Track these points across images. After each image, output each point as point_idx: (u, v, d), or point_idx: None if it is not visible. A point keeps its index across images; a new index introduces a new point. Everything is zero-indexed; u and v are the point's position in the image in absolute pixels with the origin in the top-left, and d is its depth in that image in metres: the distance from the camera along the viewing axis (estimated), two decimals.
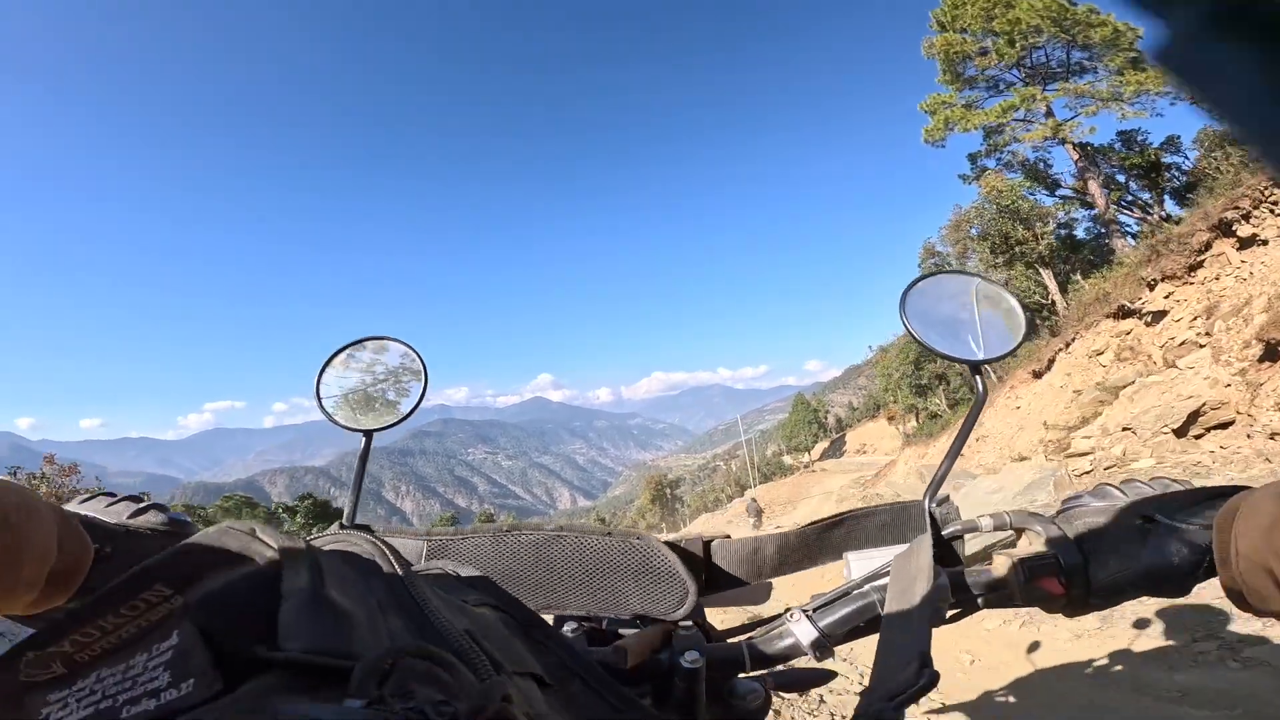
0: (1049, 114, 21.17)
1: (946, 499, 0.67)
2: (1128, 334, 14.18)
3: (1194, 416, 7.37)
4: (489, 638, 0.39)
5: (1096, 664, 3.23)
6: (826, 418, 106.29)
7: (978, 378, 0.71)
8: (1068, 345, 16.55)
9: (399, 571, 0.39)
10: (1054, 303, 20.29)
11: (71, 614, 0.29)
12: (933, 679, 0.42)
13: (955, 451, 0.70)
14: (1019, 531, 0.61)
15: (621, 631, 0.68)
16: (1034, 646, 3.82)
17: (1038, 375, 17.56)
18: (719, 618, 0.79)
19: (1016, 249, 20.99)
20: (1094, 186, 20.84)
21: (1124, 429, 8.29)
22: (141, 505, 0.59)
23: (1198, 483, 1.01)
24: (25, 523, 0.36)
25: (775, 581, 0.78)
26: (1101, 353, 14.54)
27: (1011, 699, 3.07)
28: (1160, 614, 3.37)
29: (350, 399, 0.84)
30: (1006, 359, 0.76)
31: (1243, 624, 3.21)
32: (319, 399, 0.82)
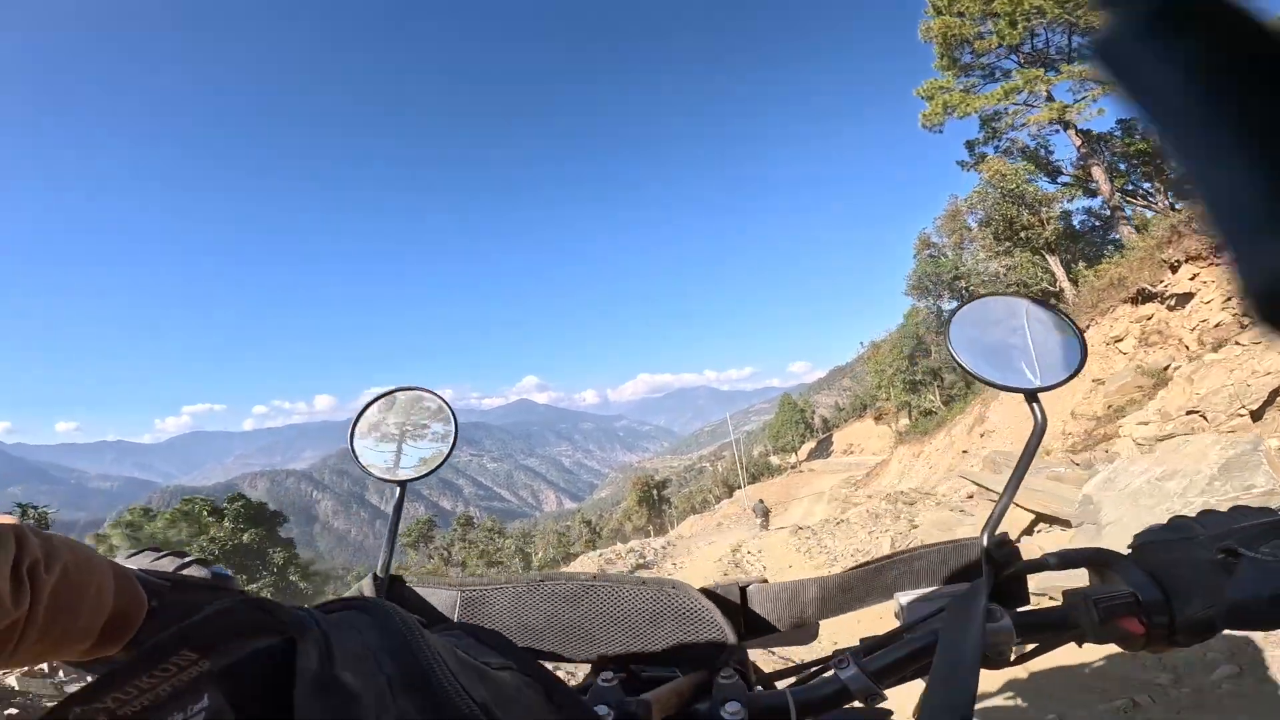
0: (1050, 98, 20.48)
1: (1005, 537, 0.64)
2: (1149, 319, 13.40)
3: (1275, 395, 6.49)
4: (508, 706, 0.39)
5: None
6: (813, 418, 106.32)
7: (1035, 406, 0.68)
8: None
9: (413, 644, 0.39)
10: (1062, 290, 19.59)
11: (111, 672, 0.31)
12: None
13: (1014, 487, 0.66)
14: (1092, 567, 0.59)
15: (656, 676, 0.66)
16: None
17: None
18: (764, 659, 0.59)
19: (1022, 234, 20.23)
20: (1098, 173, 20.19)
21: (1189, 412, 7.42)
22: (185, 560, 0.62)
23: None
24: (82, 575, 0.40)
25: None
26: (1120, 339, 13.73)
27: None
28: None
29: (383, 449, 0.85)
30: (1064, 385, 0.65)
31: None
32: (353, 450, 0.84)
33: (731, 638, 0.66)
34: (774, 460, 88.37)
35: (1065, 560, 0.59)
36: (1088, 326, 15.27)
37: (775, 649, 1.00)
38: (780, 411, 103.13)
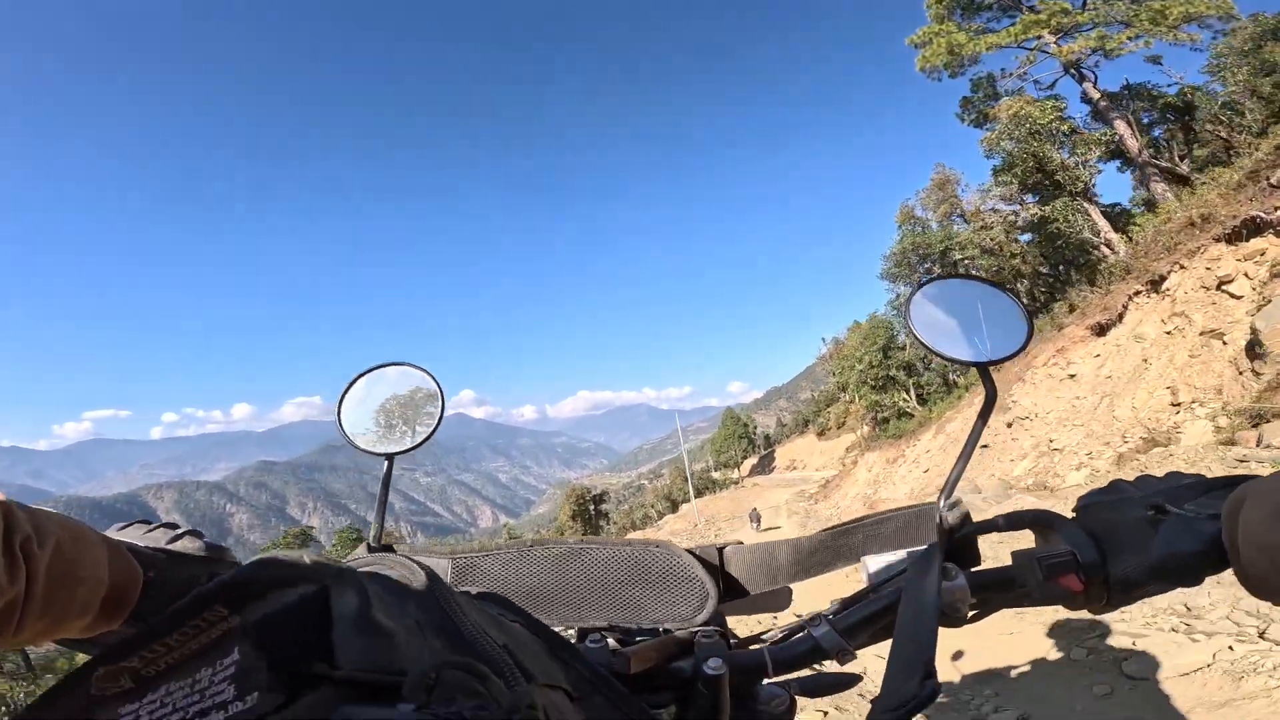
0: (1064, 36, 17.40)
1: (958, 500, 0.68)
2: (1262, 253, 9.91)
3: None
4: (523, 652, 0.42)
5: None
6: (755, 433, 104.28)
7: (986, 378, 0.72)
8: (1153, 286, 12.24)
9: (435, 591, 0.41)
10: (1108, 240, 16.24)
11: (138, 633, 0.33)
12: (934, 690, 0.44)
13: (967, 454, 0.69)
14: (1036, 529, 0.62)
15: (641, 636, 0.69)
16: (957, 655, 3.76)
17: (1100, 330, 13.22)
18: (740, 626, 0.80)
19: (1057, 177, 16.82)
20: (1122, 126, 17.13)
21: None
22: (178, 532, 0.63)
23: None
24: (76, 550, 0.40)
25: (797, 588, 0.80)
26: (1228, 280, 10.15)
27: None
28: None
29: (370, 424, 0.87)
30: (1013, 359, 0.74)
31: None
32: (340, 424, 0.86)
33: (714, 594, 0.70)
34: (716, 476, 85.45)
35: (1012, 521, 0.62)
36: (1168, 273, 11.82)
37: (749, 615, 0.87)
38: (723, 426, 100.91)
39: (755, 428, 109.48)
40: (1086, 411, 11.68)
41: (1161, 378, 10.37)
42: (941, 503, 0.67)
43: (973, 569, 0.62)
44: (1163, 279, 11.96)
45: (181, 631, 0.33)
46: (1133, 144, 17.24)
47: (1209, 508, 0.52)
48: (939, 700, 2.53)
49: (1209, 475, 0.58)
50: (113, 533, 0.60)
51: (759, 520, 27.78)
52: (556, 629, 0.64)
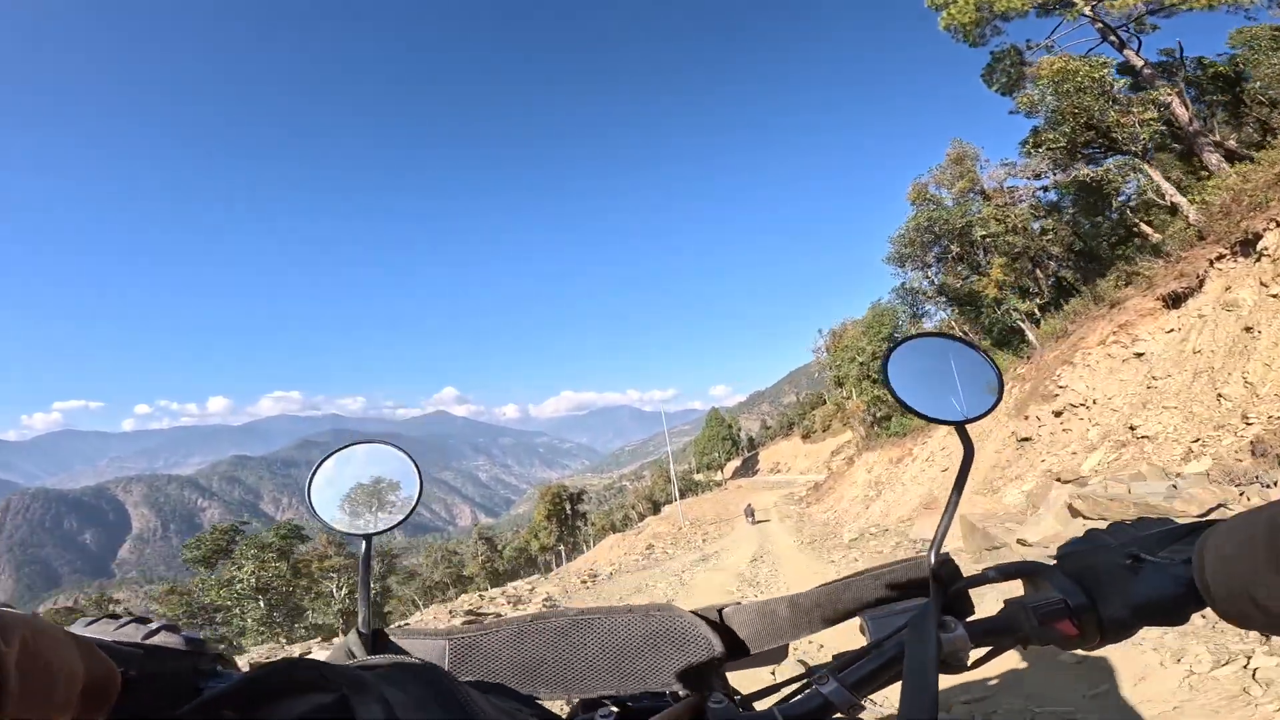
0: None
1: (947, 555, 0.70)
2: None
3: None
4: None
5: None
6: (739, 435, 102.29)
7: (964, 436, 0.74)
8: (1241, 248, 10.06)
9: (452, 694, 0.41)
10: (1174, 205, 14.12)
11: None
12: None
13: (953, 508, 0.72)
14: (1025, 578, 0.65)
15: (649, 707, 0.70)
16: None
17: (1174, 301, 11.01)
18: (735, 680, 0.81)
19: (1114, 135, 14.68)
20: (1171, 95, 15.03)
21: None
22: (153, 626, 0.59)
23: None
24: (43, 646, 0.37)
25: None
26: None
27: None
28: None
29: (344, 503, 0.85)
30: (985, 418, 0.76)
31: None
32: (311, 504, 0.83)
33: (720, 651, 0.70)
34: (699, 478, 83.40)
35: (1003, 573, 0.64)
36: (1263, 230, 9.64)
37: (745, 669, 0.82)
38: (707, 426, 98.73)
39: (739, 429, 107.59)
40: (1175, 392, 9.46)
41: (1278, 346, 8.17)
42: (932, 557, 0.68)
43: (969, 619, 0.64)
44: (1257, 238, 9.82)
45: None
46: (1183, 113, 15.15)
47: (1181, 553, 0.56)
48: None
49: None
50: (79, 628, 0.57)
51: (753, 514, 29.25)
52: (559, 702, 0.69)
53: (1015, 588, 0.67)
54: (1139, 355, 11.27)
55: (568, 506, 50.92)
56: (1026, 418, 13.31)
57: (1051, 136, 15.80)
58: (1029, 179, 18.78)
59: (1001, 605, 0.64)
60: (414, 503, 0.84)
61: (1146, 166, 14.70)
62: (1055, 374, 13.18)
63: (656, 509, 55.24)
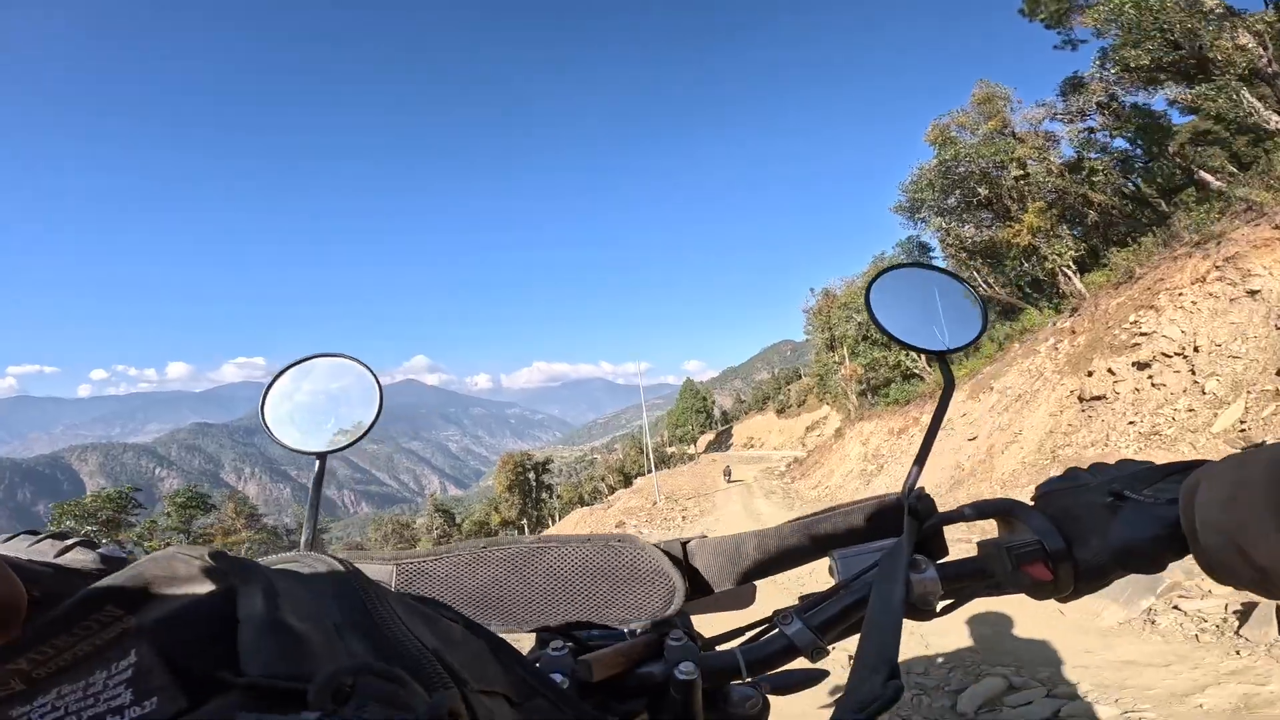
0: None
1: (923, 491, 0.68)
2: None
3: None
4: (458, 652, 0.40)
5: None
6: (713, 408, 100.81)
7: (944, 366, 0.74)
8: None
9: (358, 589, 0.39)
10: (1277, 131, 11.88)
11: (25, 634, 0.31)
12: (898, 691, 0.44)
13: (929, 442, 0.70)
14: (1001, 518, 0.61)
15: (605, 640, 0.66)
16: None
17: None
18: (705, 627, 0.76)
19: (1210, 55, 12.58)
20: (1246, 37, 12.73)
21: None
22: (68, 543, 0.55)
23: None
24: None
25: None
26: None
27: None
28: None
29: (299, 420, 0.81)
30: (969, 349, 0.69)
31: None
32: (264, 421, 0.81)
33: (681, 588, 0.68)
34: (671, 451, 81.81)
35: (979, 511, 0.61)
36: None
37: (712, 614, 0.79)
38: (681, 398, 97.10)
39: (713, 402, 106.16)
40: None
41: None
42: (905, 493, 0.66)
43: (941, 560, 0.61)
44: None
45: (71, 633, 0.31)
46: (1261, 53, 12.84)
47: (1166, 493, 0.52)
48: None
49: None
50: None
51: (729, 474, 31.45)
52: (514, 633, 0.65)
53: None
54: (1253, 294, 9.02)
55: (531, 477, 48.29)
56: (1091, 374, 11.08)
57: (1134, 54, 13.42)
58: (1070, 120, 16.54)
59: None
60: (371, 422, 0.80)
61: (1245, 93, 12.39)
62: (1128, 321, 10.97)
63: (628, 481, 53.02)
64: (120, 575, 0.33)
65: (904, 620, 0.55)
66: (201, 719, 0.28)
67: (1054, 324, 14.23)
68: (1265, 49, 12.94)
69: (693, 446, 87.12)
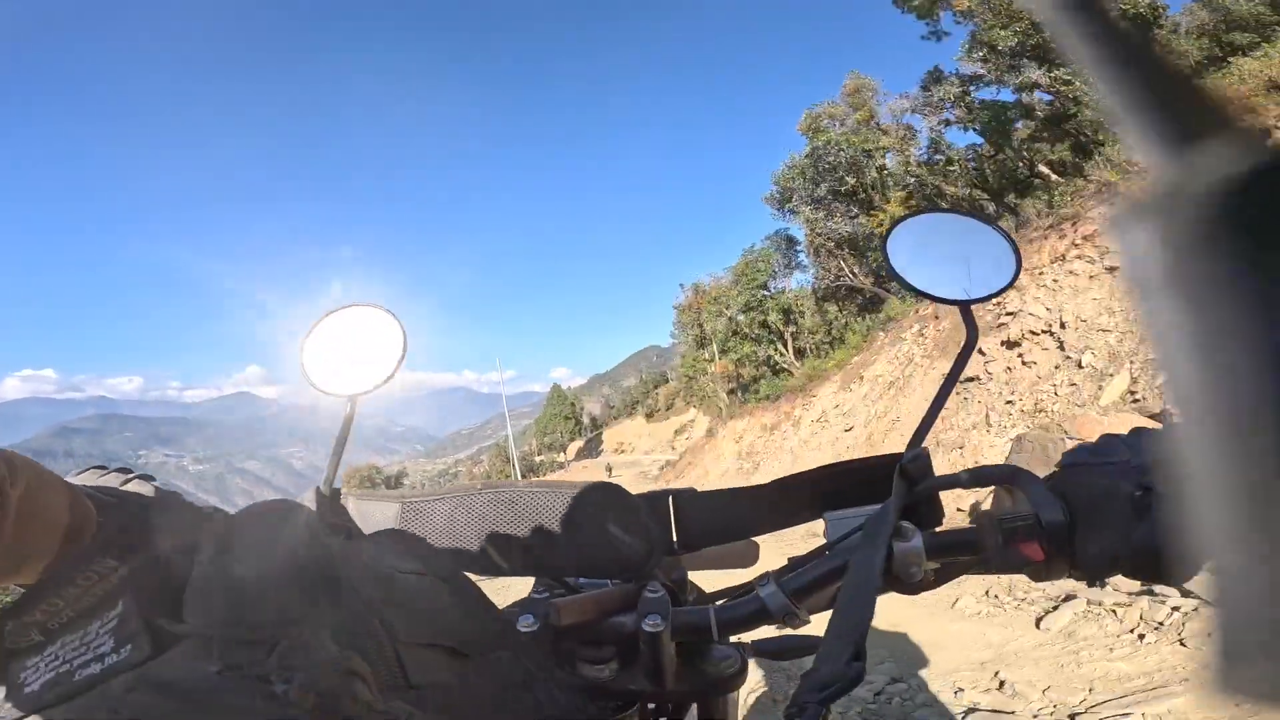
0: None
1: (921, 450, 0.63)
2: None
3: None
4: (407, 606, 0.41)
5: None
6: (582, 414, 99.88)
7: (968, 318, 0.69)
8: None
9: (310, 537, 0.41)
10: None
11: (39, 585, 0.33)
12: (859, 673, 0.42)
13: (943, 397, 0.66)
14: (1005, 487, 0.56)
15: (589, 587, 0.68)
16: None
17: None
18: (705, 581, 0.77)
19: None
20: None
21: None
22: (129, 476, 0.63)
23: None
24: (43, 490, 0.40)
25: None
26: None
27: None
28: None
29: (331, 365, 0.87)
30: (999, 298, 0.63)
31: None
32: (302, 366, 0.85)
33: (658, 545, 0.65)
34: (540, 459, 79.74)
35: (977, 478, 0.56)
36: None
37: (714, 570, 0.79)
38: (549, 404, 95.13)
39: (582, 409, 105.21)
40: None
41: None
42: (907, 451, 0.63)
43: (936, 529, 0.58)
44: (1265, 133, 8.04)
45: (75, 584, 0.33)
46: None
47: None
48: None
49: None
50: (70, 478, 0.57)
51: (610, 470, 32.11)
52: (505, 577, 0.68)
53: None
54: (1112, 269, 9.24)
55: (382, 490, 44.28)
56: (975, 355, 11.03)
57: (1003, 35, 13.85)
58: (929, 113, 17.19)
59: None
60: (396, 365, 0.83)
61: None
62: (993, 302, 10.96)
63: None
64: (114, 527, 0.36)
65: (889, 593, 0.53)
66: (152, 668, 0.30)
67: (916, 310, 14.44)
68: None
69: (562, 454, 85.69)
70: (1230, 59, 10.85)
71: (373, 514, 0.73)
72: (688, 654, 0.60)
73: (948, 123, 17.55)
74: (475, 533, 0.68)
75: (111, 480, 0.60)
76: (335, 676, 0.30)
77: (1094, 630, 3.25)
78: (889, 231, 0.73)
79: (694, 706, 0.66)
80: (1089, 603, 3.48)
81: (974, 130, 17.52)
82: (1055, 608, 3.65)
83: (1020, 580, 3.94)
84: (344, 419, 0.80)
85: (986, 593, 4.12)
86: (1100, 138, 13.39)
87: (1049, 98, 14.96)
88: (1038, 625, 3.56)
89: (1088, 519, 0.49)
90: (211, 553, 0.35)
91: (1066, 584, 3.77)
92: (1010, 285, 0.69)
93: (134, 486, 0.60)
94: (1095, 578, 0.50)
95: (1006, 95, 16.03)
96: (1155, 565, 0.45)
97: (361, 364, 0.84)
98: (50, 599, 0.33)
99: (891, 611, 3.91)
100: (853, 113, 19.25)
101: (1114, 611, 3.33)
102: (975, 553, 0.54)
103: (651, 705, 0.62)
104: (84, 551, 0.34)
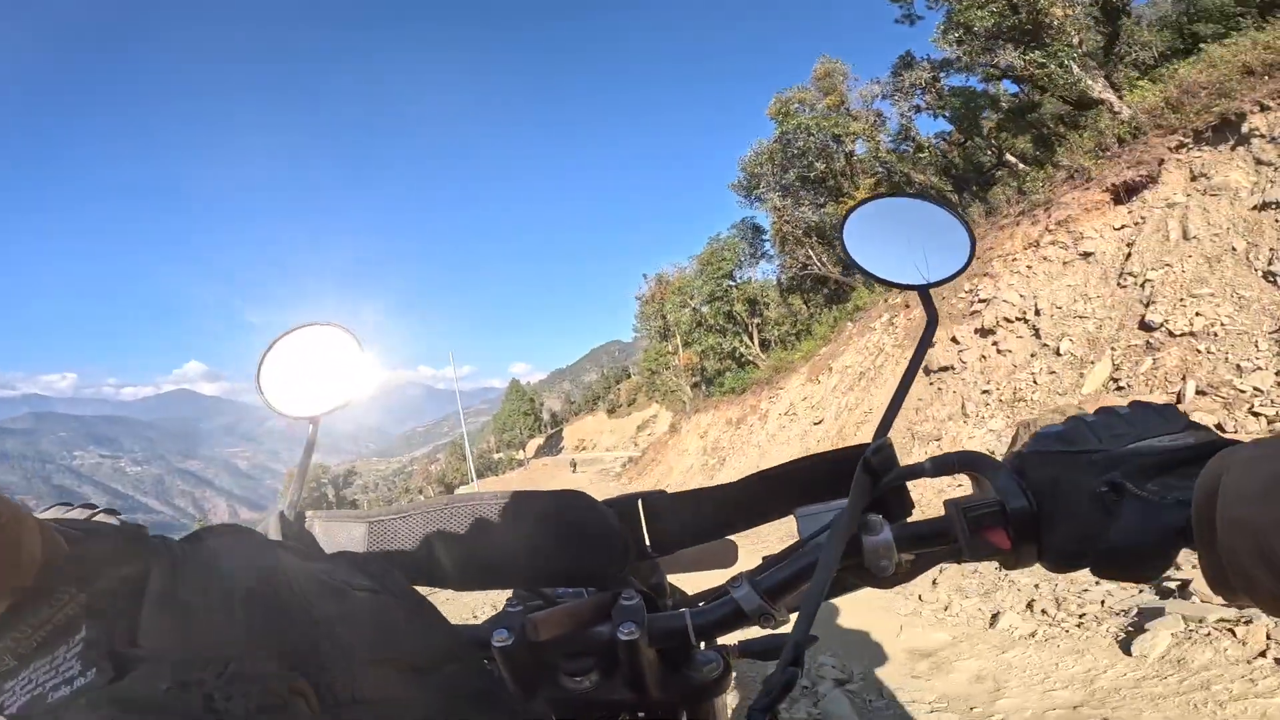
0: None
1: (886, 442, 0.62)
2: None
3: None
4: (358, 623, 0.42)
5: None
6: (541, 411, 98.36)
7: (927, 302, 0.69)
8: (1203, 138, 8.18)
9: (259, 562, 0.42)
10: (1110, 104, 12.68)
11: (9, 614, 0.34)
12: (791, 678, 0.42)
13: (906, 385, 0.65)
14: (970, 474, 0.55)
15: (565, 599, 0.67)
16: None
17: (1124, 194, 8.79)
18: (683, 582, 0.78)
19: (1042, 21, 13.00)
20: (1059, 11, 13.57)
21: None
22: (95, 511, 0.65)
23: None
24: (18, 529, 0.40)
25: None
26: None
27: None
28: None
29: (291, 386, 0.85)
30: (954, 281, 0.71)
31: None
32: (260, 389, 0.84)
33: (633, 550, 0.65)
34: (498, 457, 78.24)
35: (940, 466, 0.55)
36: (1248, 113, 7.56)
37: (692, 572, 0.82)
38: (507, 400, 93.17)
39: (541, 405, 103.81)
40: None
41: None
42: (873, 443, 0.62)
43: (906, 520, 0.58)
44: (1239, 119, 7.94)
45: (40, 611, 0.34)
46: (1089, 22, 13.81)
47: (1176, 490, 0.43)
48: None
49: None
50: (39, 515, 0.57)
51: (575, 467, 31.96)
52: (493, 591, 0.67)
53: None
54: (1086, 255, 9.03)
55: (329, 493, 42.44)
56: (934, 344, 10.70)
57: (979, 15, 13.49)
58: (899, 99, 17.05)
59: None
60: (359, 386, 0.82)
61: (1074, 65, 12.91)
62: (964, 290, 10.81)
63: (449, 491, 48.96)
64: (72, 555, 0.36)
65: (864, 588, 0.55)
66: (112, 691, 0.31)
67: (885, 300, 14.16)
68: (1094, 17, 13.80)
69: (521, 451, 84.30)
70: (1196, 49, 10.82)
71: (338, 535, 0.70)
72: (670, 660, 0.60)
73: (918, 109, 17.37)
74: (445, 548, 0.66)
75: (78, 515, 0.63)
76: (278, 695, 0.31)
77: (1211, 655, 2.57)
78: (845, 218, 0.72)
79: (684, 714, 0.65)
80: (1185, 620, 2.80)
81: (944, 117, 17.39)
82: (1134, 624, 2.97)
83: (1071, 590, 3.42)
84: (306, 442, 0.78)
85: (1029, 606, 3.49)
86: (1061, 130, 13.32)
87: (1015, 89, 14.90)
88: (1126, 651, 2.82)
89: (1054, 509, 0.48)
90: (161, 580, 0.36)
91: (1140, 595, 3.18)
92: (966, 267, 0.68)
93: (101, 519, 0.62)
94: (1063, 570, 0.49)
95: (975, 83, 15.98)
96: (1123, 566, 0.45)
97: (321, 384, 0.82)
98: (19, 626, 0.34)
99: (918, 638, 3.43)
100: (823, 98, 18.90)
101: (1232, 631, 2.62)
102: (946, 542, 0.54)
103: (641, 714, 0.60)
104: (49, 581, 0.35)
